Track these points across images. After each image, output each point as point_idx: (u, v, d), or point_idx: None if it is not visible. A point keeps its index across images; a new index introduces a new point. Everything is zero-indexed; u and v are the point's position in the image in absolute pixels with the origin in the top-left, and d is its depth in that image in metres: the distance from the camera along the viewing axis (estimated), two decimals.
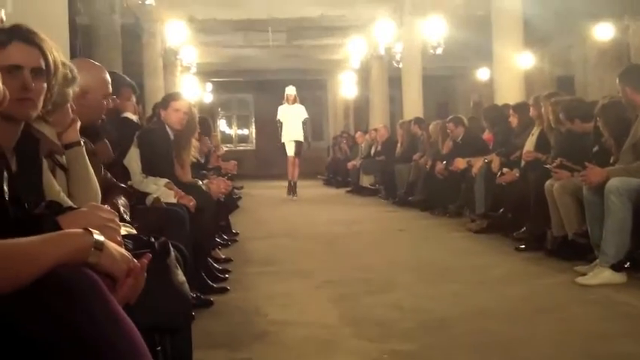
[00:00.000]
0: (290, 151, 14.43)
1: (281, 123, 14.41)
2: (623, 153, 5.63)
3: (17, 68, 2.21)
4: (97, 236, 1.68)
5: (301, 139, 14.39)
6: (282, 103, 14.65)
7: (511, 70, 11.19)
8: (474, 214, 8.79)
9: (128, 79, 5.53)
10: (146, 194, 4.95)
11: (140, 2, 10.40)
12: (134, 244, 2.29)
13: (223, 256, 6.73)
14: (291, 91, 14.53)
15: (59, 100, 2.68)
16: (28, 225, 1.84)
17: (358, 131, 19.71)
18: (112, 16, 9.96)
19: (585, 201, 5.69)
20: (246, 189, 16.63)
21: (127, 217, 3.19)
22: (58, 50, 2.39)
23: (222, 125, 29.47)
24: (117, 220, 2.05)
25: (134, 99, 5.68)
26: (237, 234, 8.47)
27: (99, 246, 1.67)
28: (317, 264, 6.59)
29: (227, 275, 5.87)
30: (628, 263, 5.28)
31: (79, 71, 2.87)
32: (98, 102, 3.45)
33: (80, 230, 1.68)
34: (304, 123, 14.33)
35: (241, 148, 28.80)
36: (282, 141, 14.42)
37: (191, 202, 4.96)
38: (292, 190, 14.51)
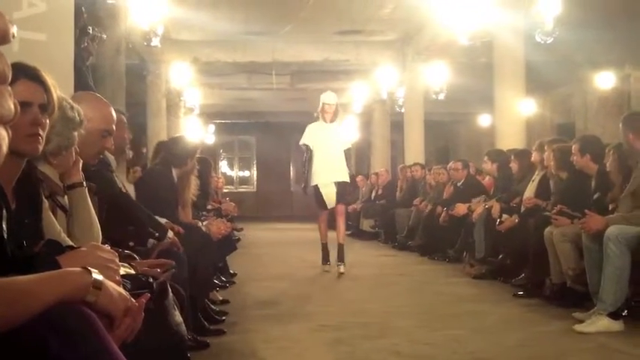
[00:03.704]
0: (329, 198, 9.07)
1: (310, 151, 9.09)
2: (621, 200, 5.67)
3: (27, 104, 2.24)
4: (96, 275, 1.70)
5: (346, 177, 9.11)
6: (316, 119, 9.34)
7: (512, 116, 11.26)
8: (474, 260, 8.79)
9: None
10: (147, 237, 4.96)
11: (145, 44, 10.50)
12: (133, 285, 2.31)
13: (221, 298, 6.72)
14: (330, 99, 9.19)
15: (65, 144, 2.71)
16: (26, 263, 1.86)
17: (359, 175, 19.76)
18: (117, 57, 10.03)
19: (584, 248, 5.72)
20: (246, 231, 16.62)
21: None
22: (57, 88, 2.42)
23: (223, 167, 29.56)
24: (116, 260, 2.07)
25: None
26: (234, 274, 8.52)
27: (97, 285, 1.68)
28: (315, 307, 6.57)
29: (224, 317, 5.85)
30: (625, 311, 5.29)
31: (81, 102, 2.90)
32: (95, 136, 3.33)
33: (79, 269, 1.70)
34: (347, 154, 9.21)
35: (242, 189, 28.86)
36: (315, 183, 9.06)
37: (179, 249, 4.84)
38: (339, 257, 9.04)
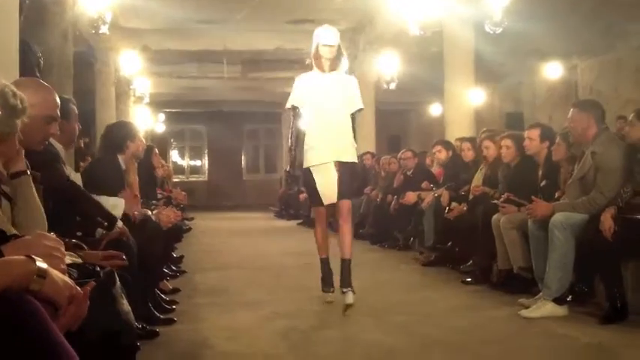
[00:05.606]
0: (328, 188, 6.02)
1: (300, 117, 6.16)
2: (568, 187, 5.77)
3: None
4: (40, 264, 1.68)
5: (354, 156, 6.17)
6: (308, 68, 6.39)
7: (462, 105, 11.37)
8: (423, 247, 8.90)
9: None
10: (95, 227, 4.92)
11: (93, 31, 10.34)
12: (80, 273, 2.30)
13: (171, 287, 6.70)
14: (329, 37, 6.02)
15: (7, 131, 2.67)
16: None
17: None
18: (64, 44, 9.87)
19: (530, 235, 5.83)
20: (197, 220, 16.56)
21: None
22: None
23: (174, 156, 29.33)
24: (62, 248, 2.05)
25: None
26: (181, 257, 8.71)
27: (41, 273, 1.67)
28: (266, 296, 6.59)
29: (174, 306, 5.83)
30: (570, 297, 5.41)
31: (24, 88, 2.85)
32: (38, 122, 3.24)
33: (22, 257, 1.68)
34: (354, 118, 6.19)
35: (193, 179, 28.69)
36: (307, 165, 6.05)
37: (133, 212, 4.92)
38: (344, 280, 5.96)
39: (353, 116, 6.15)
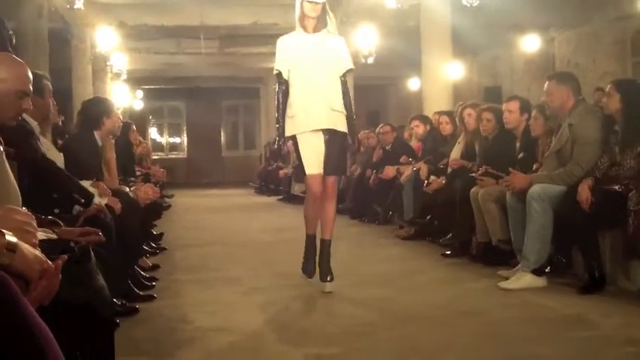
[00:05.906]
0: (315, 157, 5.56)
1: (285, 83, 5.57)
2: (546, 159, 5.79)
3: None
4: (10, 237, 1.66)
5: (343, 125, 5.53)
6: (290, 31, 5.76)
7: (440, 80, 11.37)
8: (403, 221, 8.92)
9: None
10: (72, 203, 4.89)
11: (68, 6, 10.20)
12: (54, 249, 2.27)
13: (150, 264, 6.68)
14: None
15: None
16: None
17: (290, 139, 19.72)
18: (39, 20, 9.75)
19: (508, 207, 5.85)
20: (177, 197, 16.51)
21: None
22: None
23: (153, 133, 29.16)
24: (34, 223, 2.02)
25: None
26: (161, 234, 8.67)
27: (11, 247, 1.65)
28: (245, 271, 6.59)
29: (154, 283, 5.82)
30: (548, 268, 5.44)
31: None
32: (11, 98, 3.19)
33: None
34: (343, 85, 5.57)
35: (173, 156, 28.57)
36: (292, 133, 5.57)
37: (117, 204, 4.90)
38: (323, 266, 5.63)
39: (343, 79, 5.57)
